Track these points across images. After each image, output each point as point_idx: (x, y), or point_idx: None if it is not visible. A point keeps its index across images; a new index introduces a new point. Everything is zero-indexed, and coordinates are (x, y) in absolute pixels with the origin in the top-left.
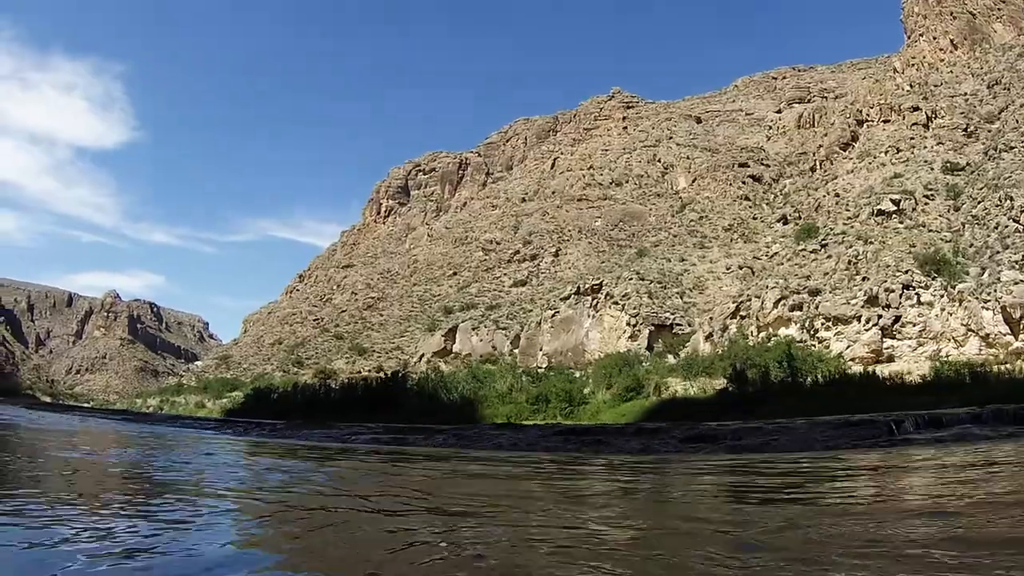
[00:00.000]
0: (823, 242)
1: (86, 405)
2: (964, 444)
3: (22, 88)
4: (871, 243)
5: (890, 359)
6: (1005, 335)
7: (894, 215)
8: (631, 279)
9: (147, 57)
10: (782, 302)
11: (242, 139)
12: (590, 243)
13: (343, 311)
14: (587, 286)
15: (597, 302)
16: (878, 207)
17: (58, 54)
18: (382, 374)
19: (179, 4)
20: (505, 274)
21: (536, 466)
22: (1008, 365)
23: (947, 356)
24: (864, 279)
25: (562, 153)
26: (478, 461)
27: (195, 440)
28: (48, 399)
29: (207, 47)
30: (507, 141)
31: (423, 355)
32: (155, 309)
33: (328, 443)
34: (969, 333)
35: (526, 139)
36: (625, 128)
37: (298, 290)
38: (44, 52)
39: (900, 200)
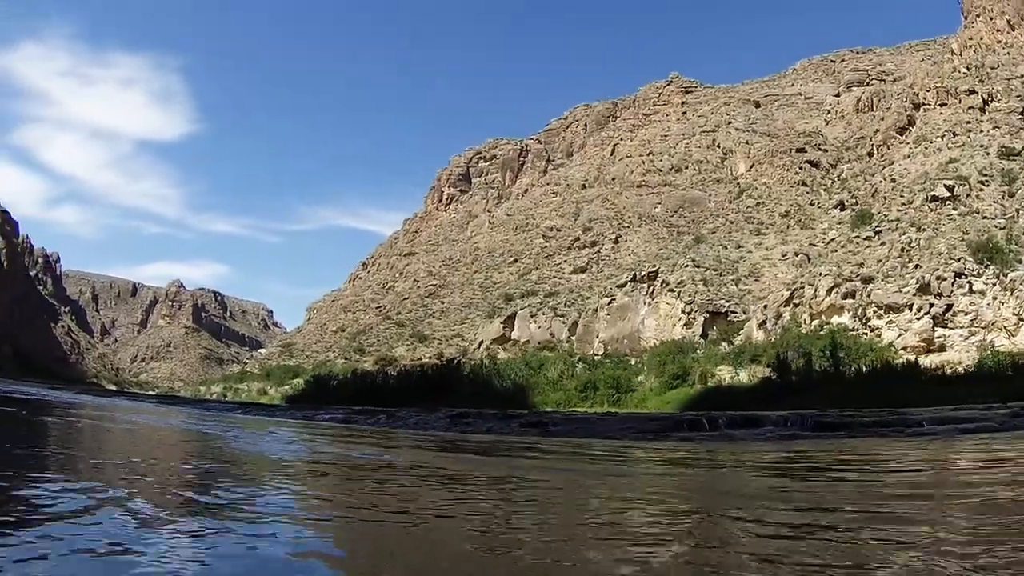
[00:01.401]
0: (877, 229)
1: (151, 392)
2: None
3: (82, 84)
4: (924, 230)
5: (941, 348)
6: None
7: (948, 201)
8: (687, 266)
9: (206, 50)
10: (835, 290)
11: (304, 129)
12: (650, 229)
13: (405, 298)
14: (643, 273)
15: (653, 289)
16: (932, 193)
17: (116, 49)
18: (439, 361)
19: None
20: (565, 261)
21: None
22: None
23: (998, 346)
24: (917, 267)
25: (621, 139)
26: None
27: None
28: (113, 387)
29: (266, 38)
30: (567, 127)
31: (482, 342)
32: (219, 298)
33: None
34: (1021, 323)
35: (586, 125)
36: (684, 113)
37: (361, 278)
38: (102, 48)
39: (954, 186)
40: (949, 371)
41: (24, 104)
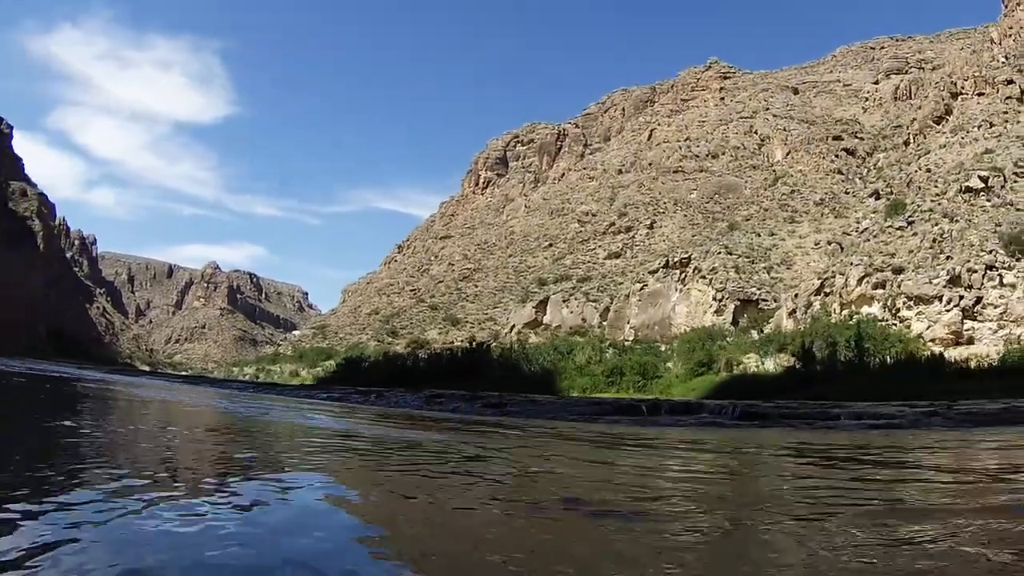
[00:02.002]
0: (910, 219)
1: (184, 373)
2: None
3: (120, 67)
4: (957, 221)
5: (970, 341)
6: None
7: (982, 192)
8: (719, 253)
9: (244, 33)
10: (865, 279)
11: (343, 112)
12: (685, 215)
13: (439, 282)
14: (675, 260)
15: (685, 276)
16: (966, 184)
17: (154, 32)
18: (470, 345)
19: None
20: (600, 246)
21: None
22: None
23: None
24: (948, 258)
25: (659, 124)
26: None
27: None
28: (146, 368)
29: (305, 21)
30: (605, 112)
31: (514, 326)
32: (255, 279)
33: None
34: None
35: (623, 110)
36: (722, 99)
37: (396, 260)
38: (140, 31)
39: (988, 177)
40: (973, 364)
41: (62, 87)
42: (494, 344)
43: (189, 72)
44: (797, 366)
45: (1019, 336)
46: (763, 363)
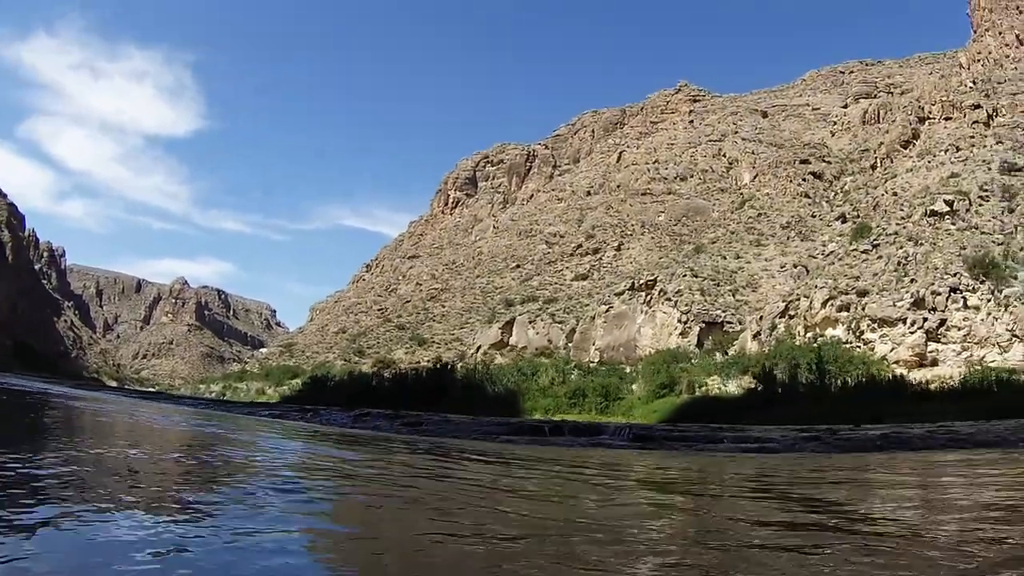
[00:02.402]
0: (875, 242)
1: (151, 389)
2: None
3: (93, 77)
4: (921, 244)
5: (934, 363)
6: None
7: (947, 216)
8: (685, 276)
9: (218, 46)
10: (830, 302)
11: (314, 128)
12: (652, 238)
13: (407, 301)
14: (641, 282)
15: (650, 298)
16: (931, 207)
17: (128, 43)
18: (435, 365)
19: None
20: (567, 268)
21: None
22: None
23: (990, 362)
24: (912, 281)
25: (628, 146)
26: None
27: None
28: (113, 383)
29: (278, 36)
30: (575, 133)
31: (480, 347)
32: (223, 296)
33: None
34: (1014, 339)
35: (593, 131)
36: (691, 122)
37: (365, 279)
38: (114, 41)
39: (954, 201)
40: (934, 386)
41: (34, 96)
42: (459, 365)
43: (161, 84)
44: (758, 388)
45: (982, 358)
46: (725, 385)
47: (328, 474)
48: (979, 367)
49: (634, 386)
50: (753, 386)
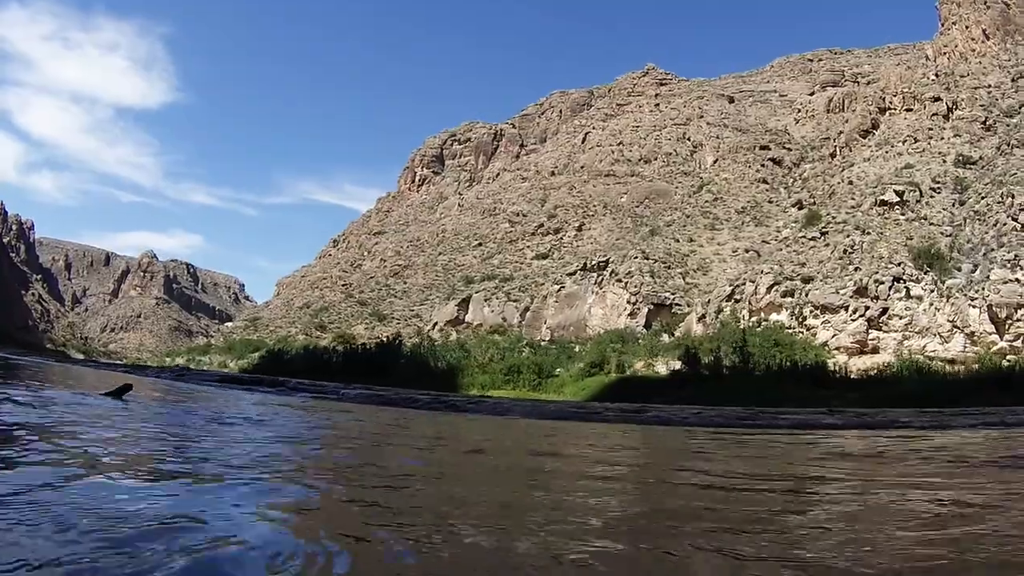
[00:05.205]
0: (823, 230)
1: (119, 362)
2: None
3: (65, 47)
4: (868, 233)
5: (875, 350)
6: (990, 334)
7: (896, 206)
8: (636, 258)
9: (190, 19)
10: (775, 287)
11: (286, 102)
12: (614, 219)
13: (371, 277)
14: (594, 263)
15: (602, 279)
16: (881, 197)
17: (101, 14)
18: (385, 340)
19: None
20: (528, 247)
21: None
22: (977, 365)
23: (932, 351)
24: (856, 269)
25: (594, 128)
26: None
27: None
28: (81, 356)
29: (252, 11)
30: (542, 113)
31: (436, 324)
32: (191, 270)
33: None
34: (955, 329)
35: (561, 112)
36: (657, 105)
37: (331, 255)
38: (88, 11)
39: (904, 192)
40: (875, 373)
41: (4, 67)
42: (408, 341)
43: (134, 56)
44: (683, 369)
45: (924, 347)
46: (654, 366)
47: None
48: (921, 355)
49: (581, 364)
50: (678, 367)
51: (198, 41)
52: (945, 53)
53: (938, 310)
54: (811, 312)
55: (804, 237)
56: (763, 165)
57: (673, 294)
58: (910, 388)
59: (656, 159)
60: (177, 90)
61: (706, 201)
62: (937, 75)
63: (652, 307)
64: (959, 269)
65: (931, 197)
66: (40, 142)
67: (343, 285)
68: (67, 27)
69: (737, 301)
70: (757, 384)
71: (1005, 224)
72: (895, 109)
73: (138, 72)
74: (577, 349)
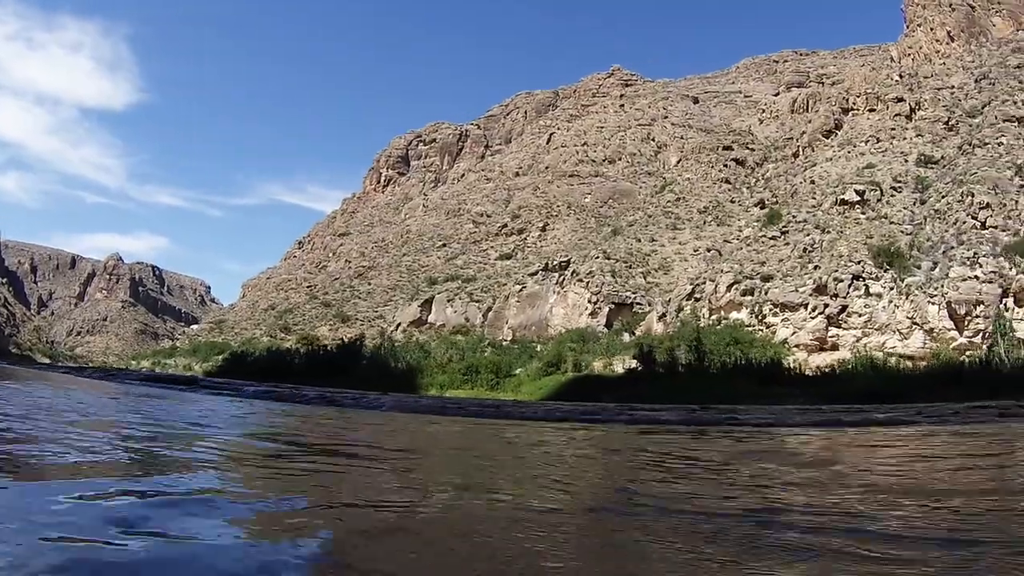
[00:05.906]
0: (784, 229)
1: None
2: None
3: (28, 47)
4: (828, 232)
5: (834, 348)
6: (949, 330)
7: (857, 205)
8: (597, 258)
9: (155, 19)
10: (735, 286)
11: (251, 104)
12: (578, 219)
13: (335, 279)
14: (555, 263)
15: (563, 279)
16: (842, 196)
17: (66, 14)
18: (346, 341)
19: None
20: (492, 247)
21: None
22: (936, 360)
23: (891, 348)
24: (815, 267)
25: (558, 128)
26: None
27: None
28: (47, 360)
29: (217, 11)
30: (508, 114)
31: (399, 324)
32: (157, 272)
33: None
34: (914, 326)
35: (526, 113)
36: (622, 106)
37: (296, 256)
38: (51, 11)
39: (865, 191)
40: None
41: None
42: (369, 342)
43: (98, 56)
44: (639, 368)
45: (883, 343)
46: (612, 365)
47: None
48: (880, 352)
49: (529, 365)
50: (633, 366)
51: (163, 41)
52: (910, 54)
53: (897, 307)
54: (771, 310)
55: (765, 236)
56: (726, 165)
57: (634, 293)
58: (862, 384)
59: (620, 159)
60: (142, 91)
61: (669, 201)
62: (901, 76)
63: (613, 306)
64: (919, 267)
65: (892, 196)
66: (4, 143)
67: (308, 287)
68: (31, 27)
69: (697, 300)
70: (710, 381)
71: (965, 223)
72: (858, 109)
73: (103, 72)
74: (539, 349)
